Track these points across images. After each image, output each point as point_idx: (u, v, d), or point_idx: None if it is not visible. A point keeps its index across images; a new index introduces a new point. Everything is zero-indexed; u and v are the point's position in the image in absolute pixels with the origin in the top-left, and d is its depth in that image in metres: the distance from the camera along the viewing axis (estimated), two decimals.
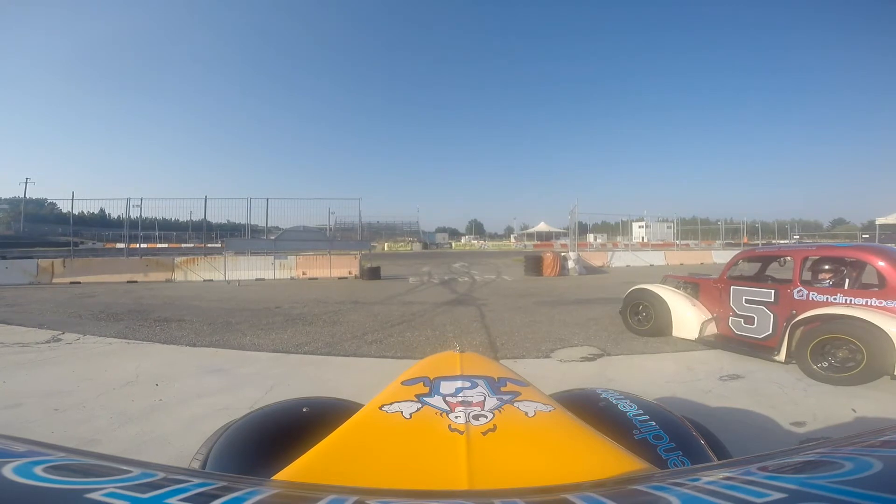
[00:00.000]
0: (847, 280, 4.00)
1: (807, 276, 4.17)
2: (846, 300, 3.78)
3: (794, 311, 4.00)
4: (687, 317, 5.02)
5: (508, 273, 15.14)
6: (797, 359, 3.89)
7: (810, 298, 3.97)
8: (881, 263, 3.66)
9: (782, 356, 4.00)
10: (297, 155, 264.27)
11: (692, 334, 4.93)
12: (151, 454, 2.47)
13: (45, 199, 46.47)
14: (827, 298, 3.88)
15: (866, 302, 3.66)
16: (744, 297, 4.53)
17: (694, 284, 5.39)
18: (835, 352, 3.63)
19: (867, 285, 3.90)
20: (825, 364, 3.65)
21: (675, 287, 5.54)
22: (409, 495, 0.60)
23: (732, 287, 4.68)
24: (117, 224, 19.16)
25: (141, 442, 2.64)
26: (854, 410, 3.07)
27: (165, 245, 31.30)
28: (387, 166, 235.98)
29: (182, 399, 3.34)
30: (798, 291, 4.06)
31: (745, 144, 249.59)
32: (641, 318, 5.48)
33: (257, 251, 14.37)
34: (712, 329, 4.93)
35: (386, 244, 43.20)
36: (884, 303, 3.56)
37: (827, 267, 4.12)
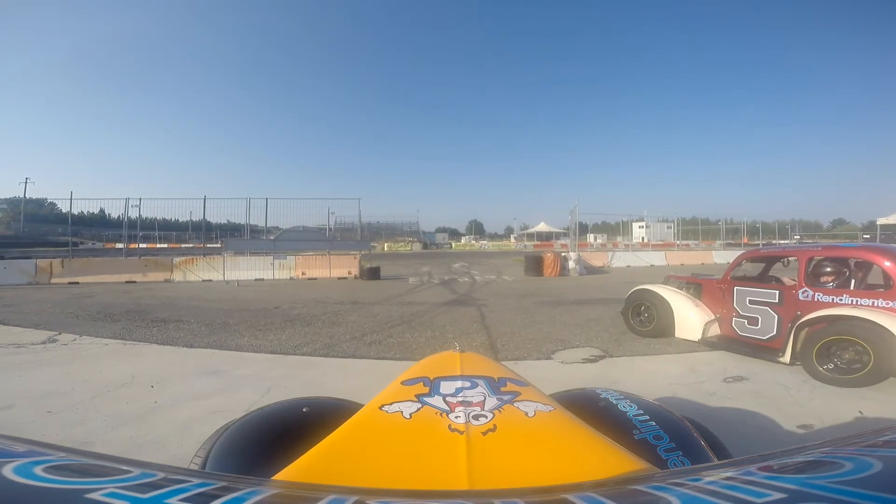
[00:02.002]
0: (853, 281, 3.96)
1: (811, 276, 4.12)
2: (852, 301, 3.73)
3: (800, 312, 3.96)
4: (690, 318, 4.98)
5: (508, 273, 15.10)
6: (802, 360, 3.84)
7: (815, 299, 3.92)
8: (888, 264, 3.61)
9: (787, 358, 3.95)
10: (297, 155, 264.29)
11: (695, 335, 4.88)
12: (145, 458, 2.39)
13: (45, 198, 46.33)
14: (832, 299, 3.83)
15: (872, 303, 3.61)
16: (748, 298, 4.48)
17: (696, 285, 5.34)
18: (841, 353, 3.58)
19: (873, 286, 3.86)
20: (831, 366, 3.60)
21: (678, 287, 5.49)
22: (409, 495, 0.60)
23: (736, 288, 4.63)
24: (117, 224, 19.08)
25: (135, 445, 2.60)
26: (861, 412, 3.02)
27: (165, 245, 31.33)
28: (387, 166, 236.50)
29: (177, 401, 3.29)
30: (803, 292, 4.01)
31: (745, 144, 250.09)
32: (643, 319, 5.43)
33: (257, 251, 14.34)
34: (715, 330, 4.89)
35: (386, 244, 43.18)
36: (890, 304, 3.51)
37: (831, 268, 4.07)
